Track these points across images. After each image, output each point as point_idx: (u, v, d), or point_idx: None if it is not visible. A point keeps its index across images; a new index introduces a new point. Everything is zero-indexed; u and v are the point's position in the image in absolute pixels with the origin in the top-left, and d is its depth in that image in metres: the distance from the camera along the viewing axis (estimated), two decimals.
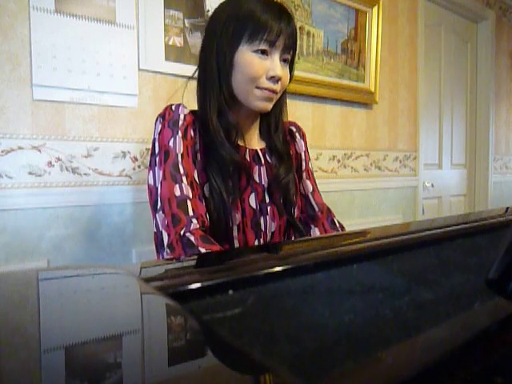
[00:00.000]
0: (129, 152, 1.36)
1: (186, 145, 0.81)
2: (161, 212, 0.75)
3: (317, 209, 1.00)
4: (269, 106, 0.85)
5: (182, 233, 0.73)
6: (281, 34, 0.80)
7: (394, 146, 2.37)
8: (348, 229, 1.02)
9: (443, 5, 2.72)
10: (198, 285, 0.37)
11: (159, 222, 0.76)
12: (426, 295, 0.42)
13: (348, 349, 0.30)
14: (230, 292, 0.37)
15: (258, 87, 0.82)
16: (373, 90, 2.15)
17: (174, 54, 1.42)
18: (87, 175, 1.28)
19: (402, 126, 2.41)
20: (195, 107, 0.91)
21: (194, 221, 0.74)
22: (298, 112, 1.86)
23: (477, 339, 0.31)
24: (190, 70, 1.45)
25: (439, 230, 0.70)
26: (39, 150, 1.20)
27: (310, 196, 1.01)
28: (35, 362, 0.24)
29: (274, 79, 0.82)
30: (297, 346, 0.30)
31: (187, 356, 0.26)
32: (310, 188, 1.01)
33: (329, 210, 1.02)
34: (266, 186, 0.90)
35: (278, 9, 0.82)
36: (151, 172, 0.81)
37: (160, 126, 0.82)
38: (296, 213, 0.94)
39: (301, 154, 1.02)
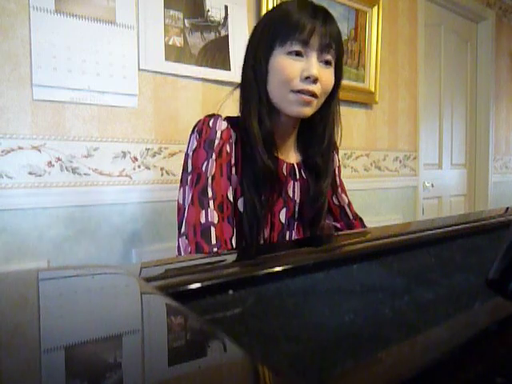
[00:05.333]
0: (129, 152, 1.36)
1: (219, 163, 0.79)
2: (184, 237, 0.75)
3: (351, 217, 1.02)
4: (306, 110, 0.79)
5: None
6: (314, 32, 0.75)
7: (394, 146, 2.37)
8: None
9: (443, 5, 2.72)
10: (198, 285, 0.37)
11: (182, 248, 0.76)
12: (426, 295, 0.42)
13: (348, 349, 0.30)
14: (230, 292, 0.37)
15: (292, 90, 0.77)
16: (373, 90, 2.15)
17: (174, 54, 1.42)
18: (87, 175, 1.28)
19: (402, 126, 2.41)
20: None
21: (215, 250, 0.75)
22: None
23: (477, 339, 0.31)
24: (190, 69, 1.46)
25: (439, 230, 0.70)
26: (39, 150, 1.20)
27: (347, 207, 1.03)
28: (35, 362, 0.24)
29: (310, 80, 0.76)
30: (297, 346, 0.30)
31: (187, 356, 0.26)
32: (346, 200, 1.03)
33: (360, 218, 1.04)
34: (297, 201, 0.89)
35: (313, 8, 0.78)
36: (182, 189, 0.81)
37: (195, 144, 0.80)
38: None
39: (334, 170, 1.01)
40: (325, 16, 0.78)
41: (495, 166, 3.23)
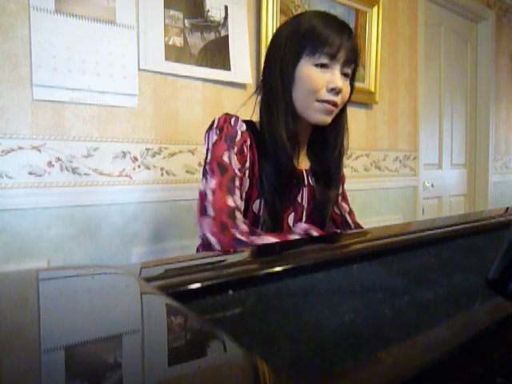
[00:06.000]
0: (129, 152, 1.36)
1: (239, 161, 0.81)
2: (210, 219, 0.76)
3: (352, 226, 1.03)
4: (328, 118, 0.84)
5: (233, 234, 0.74)
6: (341, 47, 0.80)
7: (394, 146, 2.37)
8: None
9: (443, 5, 2.72)
10: (198, 285, 0.37)
11: (206, 227, 0.76)
12: (426, 295, 0.42)
13: (348, 349, 0.30)
14: (230, 292, 0.37)
15: (318, 100, 0.81)
16: (373, 90, 2.15)
17: (174, 53, 1.42)
18: (87, 175, 1.28)
19: (402, 126, 2.41)
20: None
21: (243, 225, 0.77)
22: None
23: (477, 339, 0.31)
24: (190, 69, 1.46)
25: (439, 230, 0.70)
26: (39, 150, 1.20)
27: (347, 216, 1.04)
28: (35, 362, 0.24)
29: (335, 91, 0.81)
30: (297, 346, 0.30)
31: (187, 356, 0.26)
32: (347, 209, 1.04)
33: (361, 227, 1.05)
34: (305, 206, 0.91)
35: (340, 24, 0.82)
36: (204, 179, 0.82)
37: (216, 138, 0.82)
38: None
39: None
40: (349, 31, 0.83)
41: (495, 166, 3.23)
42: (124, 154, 1.35)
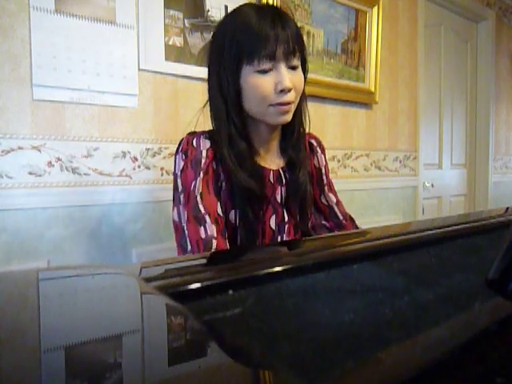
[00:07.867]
0: (129, 152, 1.36)
1: (206, 180, 0.80)
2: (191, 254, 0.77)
3: (341, 217, 1.02)
4: (287, 117, 0.82)
5: None
6: (278, 42, 0.76)
7: (394, 146, 2.37)
8: None
9: (443, 5, 2.72)
10: (198, 285, 0.37)
11: None
12: (426, 295, 0.42)
13: (348, 349, 0.30)
14: (230, 292, 0.37)
15: (271, 105, 0.80)
16: (373, 90, 2.15)
17: (173, 54, 1.42)
18: (87, 175, 1.28)
19: (402, 126, 2.41)
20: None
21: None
22: None
23: (477, 339, 0.31)
24: (190, 69, 1.46)
25: (439, 230, 0.70)
26: (39, 150, 1.20)
27: (335, 206, 1.02)
28: (35, 362, 0.24)
29: (284, 92, 0.79)
30: (297, 346, 0.30)
31: (187, 356, 0.26)
32: (334, 199, 1.03)
33: (351, 218, 1.04)
34: (284, 204, 0.90)
35: (271, 16, 0.78)
36: (176, 208, 0.81)
37: (182, 164, 0.82)
38: (309, 226, 0.96)
39: (321, 169, 1.02)
40: (282, 21, 0.78)
41: (495, 165, 3.23)
42: (124, 154, 1.35)
